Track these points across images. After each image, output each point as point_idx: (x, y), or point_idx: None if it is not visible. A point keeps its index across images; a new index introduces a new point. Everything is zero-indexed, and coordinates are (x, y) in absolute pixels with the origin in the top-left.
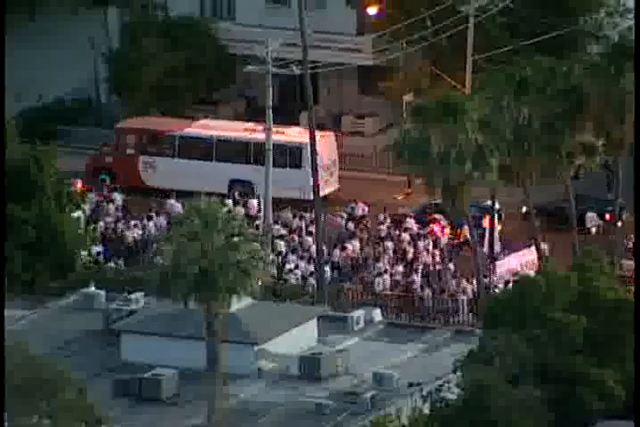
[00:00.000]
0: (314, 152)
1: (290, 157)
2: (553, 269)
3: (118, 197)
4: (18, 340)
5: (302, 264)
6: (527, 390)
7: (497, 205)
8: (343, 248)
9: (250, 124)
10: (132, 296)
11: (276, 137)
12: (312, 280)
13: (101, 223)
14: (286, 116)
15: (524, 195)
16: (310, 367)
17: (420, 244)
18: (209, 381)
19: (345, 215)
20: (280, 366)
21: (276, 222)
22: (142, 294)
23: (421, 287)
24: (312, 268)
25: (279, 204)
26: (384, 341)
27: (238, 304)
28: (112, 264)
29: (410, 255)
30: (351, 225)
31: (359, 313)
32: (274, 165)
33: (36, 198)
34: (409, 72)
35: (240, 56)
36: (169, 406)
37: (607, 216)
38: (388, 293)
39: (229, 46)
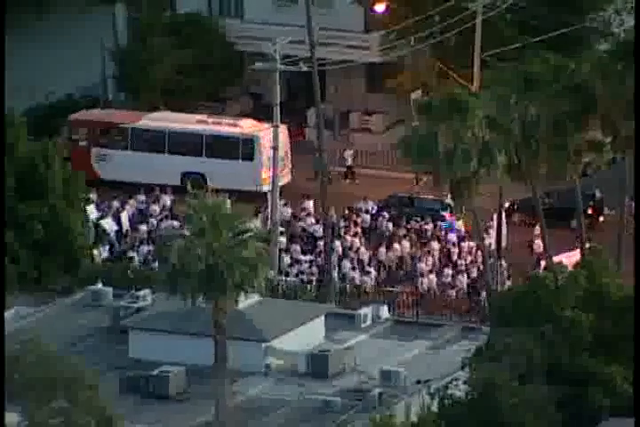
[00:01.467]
0: (321, 151)
1: (242, 149)
2: (561, 267)
3: (167, 198)
4: (32, 337)
5: (347, 265)
6: (536, 388)
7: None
8: (388, 247)
9: (201, 116)
10: (140, 293)
11: (228, 129)
12: (366, 280)
13: (144, 225)
14: (294, 114)
15: (533, 192)
16: (318, 365)
17: (465, 244)
18: (216, 378)
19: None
20: (288, 363)
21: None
22: (150, 291)
23: (472, 287)
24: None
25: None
26: (391, 338)
27: (246, 301)
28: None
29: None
30: (390, 225)
31: (366, 310)
32: (226, 157)
33: (44, 196)
34: (416, 69)
35: (248, 53)
36: (177, 404)
37: (590, 211)
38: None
39: (237, 44)
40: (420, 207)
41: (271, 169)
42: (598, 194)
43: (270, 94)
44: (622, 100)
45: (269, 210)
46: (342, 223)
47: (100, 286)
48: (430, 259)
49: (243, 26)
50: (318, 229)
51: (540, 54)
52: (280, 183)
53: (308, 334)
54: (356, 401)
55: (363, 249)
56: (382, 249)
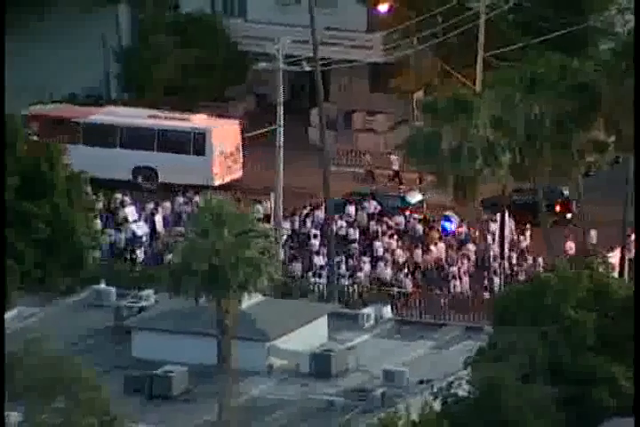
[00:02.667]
0: (325, 150)
1: (194, 143)
2: (564, 267)
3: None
4: (32, 337)
5: (385, 268)
6: (539, 388)
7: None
8: (426, 251)
9: (153, 111)
10: (143, 293)
11: (180, 123)
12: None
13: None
14: (297, 114)
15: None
16: (321, 364)
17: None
18: (220, 378)
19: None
20: (291, 363)
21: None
22: (153, 290)
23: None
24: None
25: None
26: (394, 338)
27: (249, 301)
28: None
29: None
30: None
31: (369, 310)
32: (177, 151)
33: (47, 196)
34: (419, 69)
35: (251, 53)
36: (180, 403)
37: (558, 207)
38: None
39: (240, 43)
40: (380, 204)
41: (277, 168)
42: (566, 192)
43: (273, 94)
44: (626, 99)
45: (272, 208)
46: (372, 223)
47: (103, 285)
48: (465, 262)
49: (246, 25)
50: (352, 232)
51: (543, 54)
52: (231, 178)
53: (311, 334)
54: (359, 401)
55: (399, 251)
56: (418, 251)
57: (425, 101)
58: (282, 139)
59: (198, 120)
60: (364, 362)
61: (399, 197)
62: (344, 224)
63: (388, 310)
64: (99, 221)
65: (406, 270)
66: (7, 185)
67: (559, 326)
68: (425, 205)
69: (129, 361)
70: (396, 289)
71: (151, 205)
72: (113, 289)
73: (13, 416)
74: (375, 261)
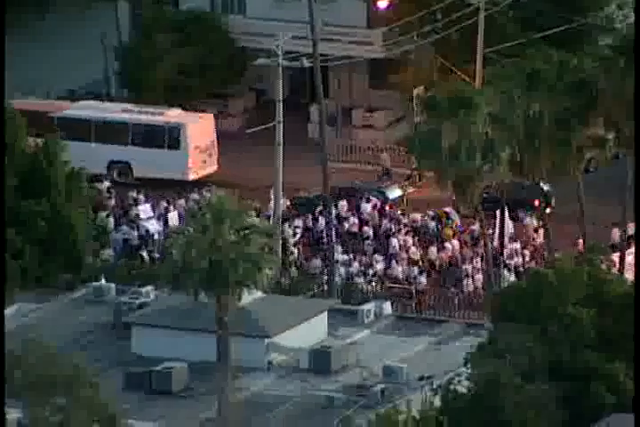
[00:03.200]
0: (323, 146)
1: (168, 137)
2: (564, 264)
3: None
4: (31, 334)
5: (402, 267)
6: (538, 385)
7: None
8: (441, 248)
9: (128, 105)
10: (143, 289)
11: (154, 118)
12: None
13: None
14: (296, 110)
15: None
16: (320, 361)
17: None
18: (220, 374)
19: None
20: (290, 359)
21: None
22: (153, 287)
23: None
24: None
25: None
26: (394, 334)
27: (249, 297)
28: None
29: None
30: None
31: (369, 306)
32: (152, 146)
33: (47, 193)
34: (419, 65)
35: (250, 50)
36: (180, 399)
37: (536, 202)
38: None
39: (240, 40)
40: (361, 198)
41: (276, 164)
42: (547, 187)
43: (273, 90)
44: (625, 96)
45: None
46: (385, 221)
47: (102, 281)
48: (479, 260)
49: (245, 22)
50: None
51: (542, 50)
52: (206, 172)
53: (311, 330)
54: (359, 397)
55: (414, 249)
56: (433, 248)
57: (424, 98)
58: (281, 135)
59: (173, 114)
60: (363, 358)
61: (380, 193)
62: (356, 221)
63: (387, 306)
64: (111, 219)
65: (418, 268)
66: (6, 183)
67: (558, 324)
68: (405, 201)
69: (129, 357)
70: (412, 287)
71: (165, 203)
72: (113, 285)
73: (13, 413)
74: (389, 258)
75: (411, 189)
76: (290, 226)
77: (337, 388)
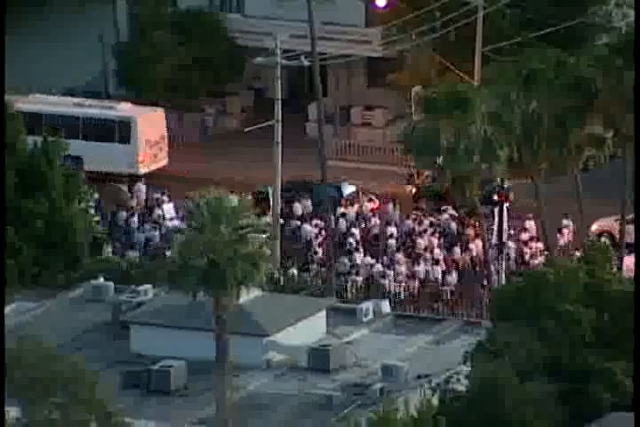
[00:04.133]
0: (322, 144)
1: (119, 131)
2: (562, 262)
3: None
4: (30, 332)
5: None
6: (537, 384)
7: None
8: (465, 249)
9: (78, 99)
10: (141, 288)
11: (105, 111)
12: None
13: None
14: (295, 109)
15: (535, 187)
16: (319, 359)
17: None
18: (218, 372)
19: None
20: (289, 357)
21: None
22: (151, 286)
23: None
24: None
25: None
26: (393, 332)
27: (247, 296)
28: None
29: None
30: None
31: (368, 305)
32: (102, 140)
33: (44, 192)
34: (417, 64)
35: (249, 48)
36: (178, 398)
37: (496, 197)
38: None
39: (238, 39)
40: (317, 193)
41: (275, 163)
42: (507, 183)
43: (271, 89)
44: (624, 94)
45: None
46: (409, 222)
47: (101, 280)
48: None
49: (244, 21)
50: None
51: (540, 50)
52: (157, 166)
53: (310, 329)
54: (357, 396)
55: (437, 250)
56: (457, 249)
57: (422, 96)
58: (280, 134)
59: (123, 108)
60: (362, 357)
61: (335, 188)
62: (377, 221)
63: (386, 305)
64: (135, 218)
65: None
66: (5, 182)
67: (557, 322)
68: (360, 196)
69: (127, 356)
70: (444, 288)
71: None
72: (111, 284)
73: (11, 412)
74: (414, 259)
75: (410, 188)
76: (316, 226)
77: (335, 387)
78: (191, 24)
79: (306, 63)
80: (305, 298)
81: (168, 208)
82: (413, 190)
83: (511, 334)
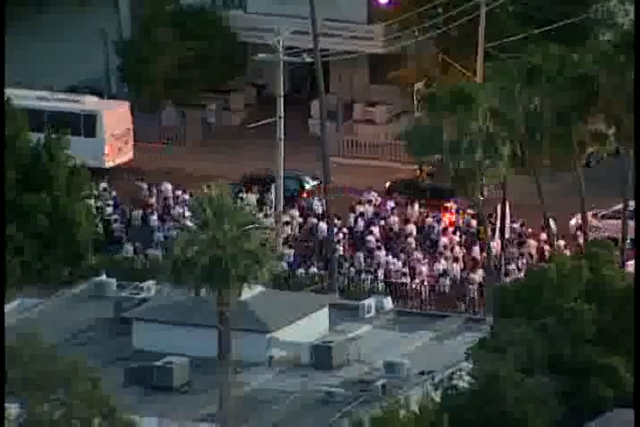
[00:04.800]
0: (324, 140)
1: (84, 125)
2: (563, 259)
3: (253, 198)
4: (31, 329)
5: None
6: (539, 380)
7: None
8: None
9: (43, 93)
10: (144, 285)
11: (70, 105)
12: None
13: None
14: (297, 105)
15: (536, 183)
16: (321, 356)
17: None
18: (220, 369)
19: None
20: (291, 354)
21: None
22: (153, 282)
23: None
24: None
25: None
26: (395, 329)
27: (250, 292)
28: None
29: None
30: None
31: (370, 301)
32: (68, 133)
33: (47, 188)
34: (420, 60)
35: (251, 45)
36: (180, 395)
37: None
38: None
39: (240, 35)
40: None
41: (277, 159)
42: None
43: (274, 85)
44: (625, 90)
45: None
46: (430, 220)
47: (103, 277)
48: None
49: (246, 17)
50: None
51: (543, 46)
52: (122, 160)
53: (312, 326)
54: (360, 392)
55: (457, 248)
56: (476, 248)
57: (425, 93)
58: (282, 130)
59: (89, 102)
60: (364, 353)
61: (297, 180)
62: (396, 219)
63: (388, 301)
64: (155, 217)
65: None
66: (7, 178)
67: (558, 318)
68: (323, 190)
69: (129, 352)
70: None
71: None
72: (113, 281)
73: (12, 409)
74: (434, 257)
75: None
76: (335, 225)
77: (338, 383)
78: (193, 21)
79: (308, 60)
80: (307, 295)
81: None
82: (387, 184)
83: (513, 331)
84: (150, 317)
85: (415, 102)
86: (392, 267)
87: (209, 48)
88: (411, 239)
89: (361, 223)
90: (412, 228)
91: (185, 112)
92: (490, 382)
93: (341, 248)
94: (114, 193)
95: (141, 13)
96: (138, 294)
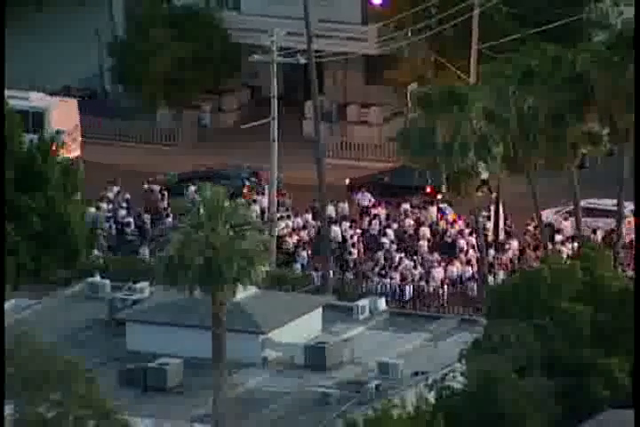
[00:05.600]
0: (318, 141)
1: (32, 122)
2: (557, 259)
3: (265, 201)
4: (26, 329)
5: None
6: (535, 381)
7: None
8: (499, 249)
9: None
10: (137, 286)
11: (18, 102)
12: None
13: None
14: (291, 106)
15: (529, 184)
16: (315, 357)
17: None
18: (215, 370)
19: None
20: (285, 355)
21: None
22: (148, 283)
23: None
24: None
25: None
26: (389, 330)
27: (243, 293)
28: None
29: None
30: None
31: (364, 302)
32: None
33: (41, 189)
34: (414, 61)
35: (245, 45)
36: (175, 396)
37: (428, 189)
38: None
39: (234, 36)
40: (217, 181)
41: (272, 160)
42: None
43: (268, 86)
44: (620, 91)
45: (268, 202)
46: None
47: (97, 278)
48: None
49: (240, 18)
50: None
51: (537, 46)
52: (70, 156)
53: (306, 326)
54: (354, 393)
55: (472, 252)
56: (491, 251)
57: (418, 94)
58: (276, 132)
59: (36, 99)
60: (358, 354)
61: (240, 179)
62: (411, 222)
63: (382, 302)
64: (170, 219)
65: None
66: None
67: (554, 319)
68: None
69: (123, 354)
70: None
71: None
72: (107, 282)
73: (7, 410)
74: (448, 261)
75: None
76: (350, 227)
77: (332, 384)
78: (187, 21)
79: (302, 61)
80: (301, 296)
81: None
82: (347, 181)
83: (508, 331)
84: (144, 318)
85: (409, 103)
86: (411, 270)
87: (203, 49)
88: (422, 242)
89: (376, 226)
90: (425, 230)
91: (180, 114)
92: (485, 382)
93: (357, 251)
94: (127, 196)
95: (136, 14)
96: (132, 295)
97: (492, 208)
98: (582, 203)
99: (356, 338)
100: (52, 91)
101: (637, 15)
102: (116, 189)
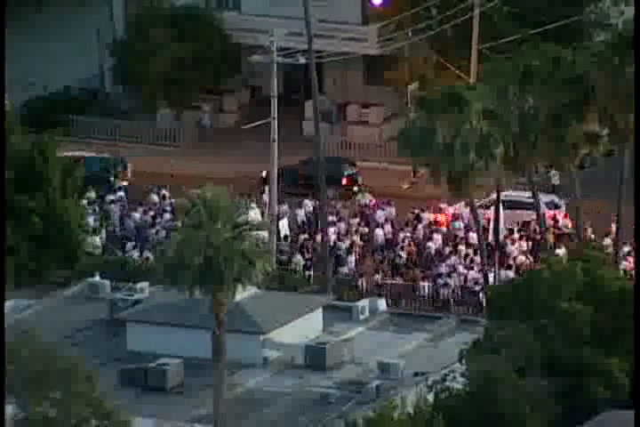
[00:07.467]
0: (318, 141)
1: None
2: (557, 260)
3: (309, 204)
4: (27, 329)
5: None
6: (535, 381)
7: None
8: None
9: None
10: (137, 286)
11: None
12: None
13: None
14: (291, 106)
15: (529, 184)
16: (316, 357)
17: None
18: (215, 370)
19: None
20: (285, 355)
21: None
22: (148, 283)
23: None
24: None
25: None
26: (389, 330)
27: (243, 294)
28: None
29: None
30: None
31: (364, 303)
32: None
33: (41, 189)
34: (414, 61)
35: (245, 46)
36: (175, 396)
37: (344, 180)
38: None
39: (234, 36)
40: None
41: (272, 160)
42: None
43: (268, 86)
44: (620, 91)
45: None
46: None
47: (97, 278)
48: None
49: (240, 18)
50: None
51: (537, 46)
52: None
53: (306, 327)
54: (354, 393)
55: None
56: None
57: (418, 94)
58: (276, 132)
59: None
60: (358, 354)
61: (104, 169)
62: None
63: (382, 303)
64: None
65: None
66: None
67: (554, 319)
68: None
69: (124, 354)
70: None
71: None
72: (107, 282)
73: (8, 409)
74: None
75: (407, 185)
76: (356, 231)
77: (332, 384)
78: (188, 21)
79: (302, 61)
80: (302, 296)
81: (253, 214)
82: (263, 174)
83: (508, 331)
84: (144, 318)
85: (409, 103)
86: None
87: (203, 49)
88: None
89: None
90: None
91: (180, 114)
92: (485, 382)
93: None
94: (172, 200)
95: (136, 14)
96: (132, 295)
97: (493, 208)
98: (502, 196)
99: (357, 338)
100: (52, 91)
101: (637, 15)
102: (163, 192)
